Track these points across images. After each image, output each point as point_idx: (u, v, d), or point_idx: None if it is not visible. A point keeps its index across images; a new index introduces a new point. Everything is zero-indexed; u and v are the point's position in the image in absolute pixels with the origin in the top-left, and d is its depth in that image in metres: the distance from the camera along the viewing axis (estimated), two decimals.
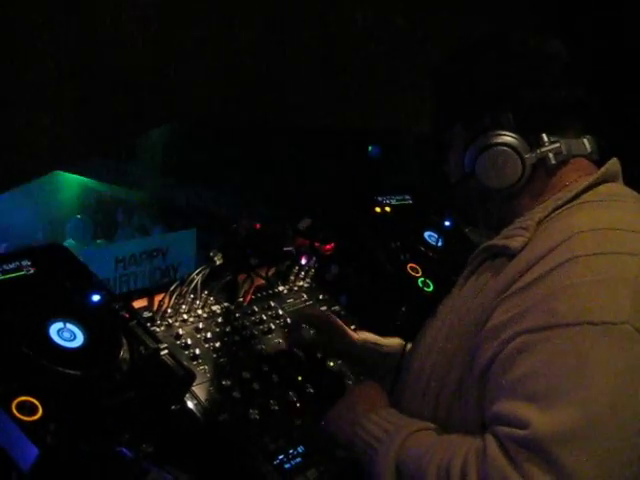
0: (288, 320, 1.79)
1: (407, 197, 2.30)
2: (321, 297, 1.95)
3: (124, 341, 1.31)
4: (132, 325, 1.38)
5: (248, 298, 1.80)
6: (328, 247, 2.00)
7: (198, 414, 1.44)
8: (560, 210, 1.10)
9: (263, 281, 1.89)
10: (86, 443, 1.13)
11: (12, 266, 1.32)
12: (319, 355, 1.68)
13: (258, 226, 1.88)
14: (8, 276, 1.30)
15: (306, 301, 1.92)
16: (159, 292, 1.67)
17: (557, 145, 1.13)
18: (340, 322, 1.66)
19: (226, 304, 1.75)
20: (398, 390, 1.29)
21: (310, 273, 1.99)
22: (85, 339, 1.26)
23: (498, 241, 1.14)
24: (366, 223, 2.08)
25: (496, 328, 1.02)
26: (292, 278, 1.95)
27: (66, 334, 1.24)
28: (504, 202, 1.19)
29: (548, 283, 0.99)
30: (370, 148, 2.37)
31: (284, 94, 1.95)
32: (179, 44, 1.64)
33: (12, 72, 1.43)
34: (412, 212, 2.24)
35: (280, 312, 1.81)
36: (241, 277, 1.81)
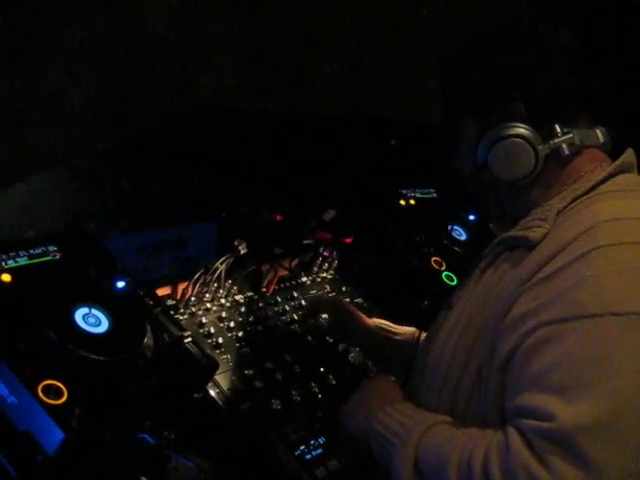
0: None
1: (432, 190, 2.28)
2: (344, 289, 1.94)
3: (148, 328, 1.31)
4: (156, 312, 1.38)
5: (271, 288, 1.79)
6: (348, 240, 2.00)
7: (220, 403, 1.44)
8: (579, 200, 1.09)
9: (286, 272, 1.88)
10: (109, 429, 1.14)
11: (38, 251, 1.33)
12: (330, 340, 1.66)
13: (279, 218, 1.88)
14: (35, 261, 1.30)
15: (329, 292, 1.91)
16: (183, 280, 1.67)
17: (570, 136, 1.11)
18: (354, 308, 1.65)
19: (249, 294, 1.75)
20: (413, 383, 1.27)
21: (333, 265, 1.98)
22: (110, 325, 1.26)
23: (517, 232, 1.12)
24: (390, 216, 2.07)
25: (518, 319, 1.01)
26: (315, 269, 1.95)
27: (91, 319, 1.24)
28: (517, 194, 1.17)
29: (571, 273, 0.97)
30: (392, 142, 2.35)
31: (305, 81, 1.94)
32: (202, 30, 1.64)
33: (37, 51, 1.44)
34: (436, 205, 2.22)
35: (303, 303, 1.81)
36: (264, 267, 1.81)
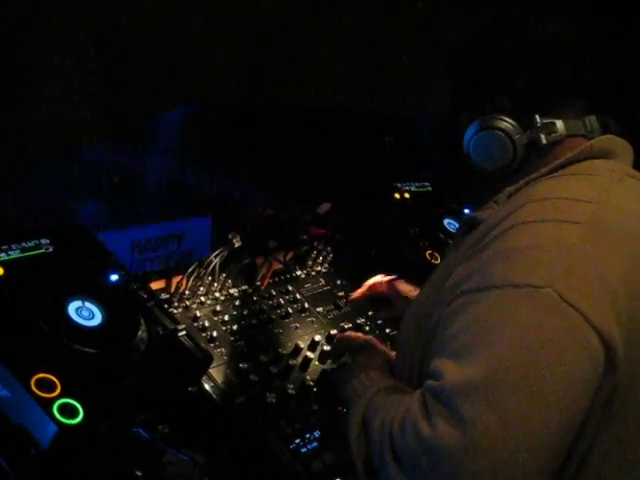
0: (306, 305, 1.77)
1: (426, 184, 2.28)
2: (339, 282, 1.94)
3: (142, 321, 1.30)
4: (150, 306, 1.37)
5: (266, 282, 1.79)
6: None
7: (215, 396, 1.43)
8: (531, 184, 1.12)
9: (281, 265, 1.88)
10: (103, 423, 1.13)
11: (31, 244, 1.32)
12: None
13: (269, 212, 1.87)
14: (27, 254, 1.29)
15: (324, 286, 1.91)
16: (177, 274, 1.67)
17: (549, 125, 1.13)
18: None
19: (244, 287, 1.74)
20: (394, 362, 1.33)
21: (328, 258, 1.97)
22: (103, 318, 1.25)
23: (471, 214, 1.18)
24: (385, 209, 2.07)
25: (447, 290, 1.06)
26: (310, 263, 1.94)
27: (85, 313, 1.24)
28: (501, 182, 1.18)
29: (492, 248, 1.02)
30: (387, 138, 2.35)
31: (304, 74, 1.93)
32: (197, 24, 1.62)
33: (36, 45, 1.42)
34: (431, 199, 2.22)
35: (297, 296, 1.80)
36: (259, 261, 1.80)
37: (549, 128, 1.13)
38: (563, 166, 1.11)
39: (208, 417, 1.43)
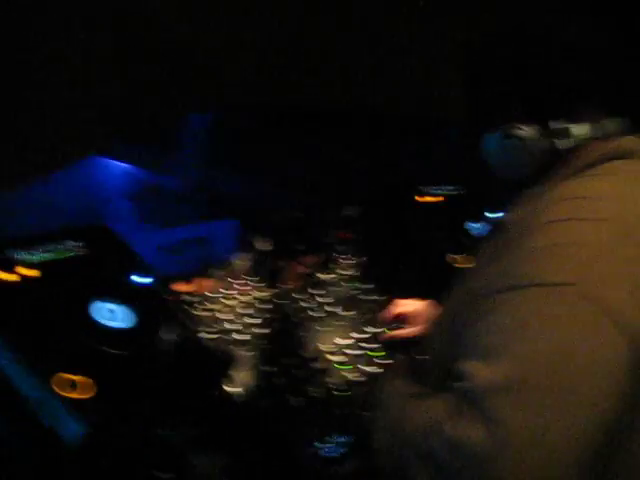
0: (331, 309, 1.77)
1: (450, 187, 2.27)
2: (364, 286, 1.93)
3: (167, 323, 1.31)
4: (175, 308, 1.38)
5: (291, 285, 1.78)
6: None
7: (239, 399, 1.43)
8: (553, 186, 1.10)
9: (307, 269, 1.88)
10: (126, 425, 1.14)
11: (59, 246, 1.33)
12: None
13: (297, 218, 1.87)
14: (55, 256, 1.31)
15: (350, 290, 1.90)
16: (202, 277, 1.67)
17: (566, 130, 1.12)
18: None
19: (269, 291, 1.74)
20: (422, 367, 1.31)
21: (354, 262, 1.97)
22: (129, 320, 1.26)
23: (498, 218, 1.16)
24: (410, 213, 2.06)
25: (474, 293, 1.05)
26: (334, 267, 1.94)
27: (110, 314, 1.25)
28: (521, 188, 1.16)
29: (518, 249, 1.01)
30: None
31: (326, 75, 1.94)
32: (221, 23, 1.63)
33: (53, 48, 1.44)
34: (454, 203, 2.20)
35: (321, 300, 1.80)
36: (285, 264, 1.80)
37: (566, 133, 1.13)
38: (584, 168, 1.10)
39: (232, 420, 1.43)
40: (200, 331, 1.34)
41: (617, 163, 1.10)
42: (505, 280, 0.98)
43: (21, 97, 1.49)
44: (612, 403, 0.89)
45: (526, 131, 1.13)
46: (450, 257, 1.91)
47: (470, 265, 1.24)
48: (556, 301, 0.91)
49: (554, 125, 1.13)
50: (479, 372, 0.92)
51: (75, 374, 1.10)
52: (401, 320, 1.69)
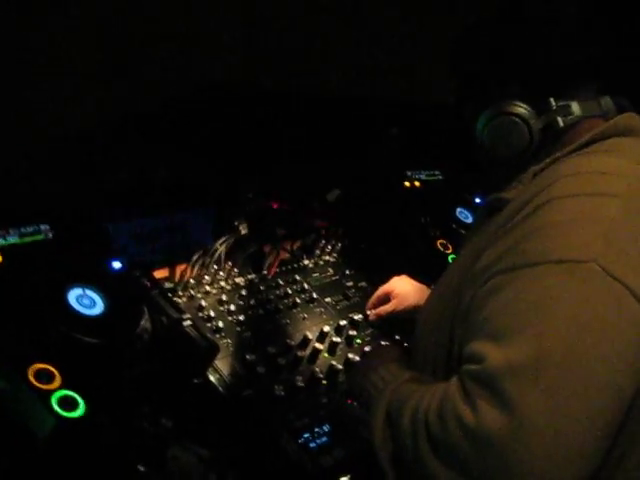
0: (314, 295, 1.72)
1: (437, 172, 2.22)
2: (347, 272, 1.88)
3: (145, 310, 1.25)
4: (154, 294, 1.32)
5: (273, 271, 1.73)
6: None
7: (221, 389, 1.38)
8: (557, 162, 1.07)
9: (288, 255, 1.83)
10: (105, 416, 1.08)
11: (30, 229, 1.26)
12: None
13: (275, 205, 1.81)
14: (26, 239, 1.24)
15: (332, 276, 1.85)
16: (181, 263, 1.61)
17: (565, 107, 1.09)
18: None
19: (250, 276, 1.69)
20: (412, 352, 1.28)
21: (337, 248, 1.92)
22: (105, 307, 1.20)
23: (494, 195, 1.13)
24: (395, 198, 2.01)
25: (478, 272, 1.02)
26: (318, 252, 1.89)
27: (86, 301, 1.18)
28: (520, 168, 1.13)
29: (524, 226, 0.97)
30: (393, 129, 2.29)
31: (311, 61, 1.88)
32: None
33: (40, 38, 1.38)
34: (443, 188, 2.16)
35: (305, 286, 1.75)
36: (266, 249, 1.75)
37: (565, 110, 1.09)
38: (588, 144, 1.07)
39: (214, 410, 1.38)
40: (181, 318, 1.28)
41: (618, 140, 1.08)
42: (514, 258, 0.94)
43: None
44: (632, 381, 0.86)
45: (525, 108, 1.10)
46: (440, 242, 1.87)
47: (464, 248, 1.21)
48: (575, 277, 0.87)
49: (555, 102, 1.09)
50: (492, 354, 0.88)
51: (45, 363, 1.04)
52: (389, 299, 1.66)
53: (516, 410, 0.83)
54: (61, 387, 1.03)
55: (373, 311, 1.68)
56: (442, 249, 1.90)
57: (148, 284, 1.33)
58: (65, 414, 1.00)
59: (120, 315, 1.21)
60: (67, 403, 1.01)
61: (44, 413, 0.98)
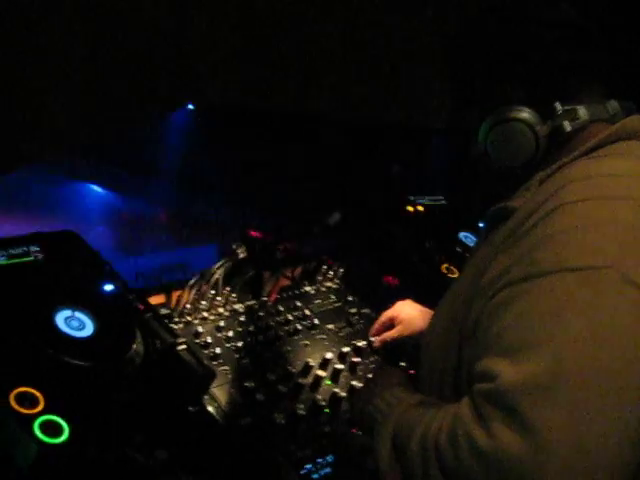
0: (315, 321, 1.66)
1: (440, 198, 2.19)
2: (350, 298, 1.83)
3: (138, 333, 1.19)
4: (147, 318, 1.27)
5: (273, 297, 1.68)
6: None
7: (218, 418, 1.31)
8: (564, 168, 1.03)
9: (289, 282, 1.78)
10: (92, 443, 1.02)
11: (19, 251, 1.22)
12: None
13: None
14: (14, 261, 1.19)
15: (334, 302, 1.79)
16: (177, 289, 1.56)
17: (571, 112, 1.05)
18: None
19: (249, 303, 1.63)
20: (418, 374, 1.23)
21: (338, 274, 1.87)
22: (95, 329, 1.15)
23: (499, 205, 1.08)
24: (398, 223, 1.97)
25: (486, 284, 0.97)
26: (319, 278, 1.83)
27: (74, 323, 1.13)
28: (526, 176, 1.08)
29: (534, 234, 0.92)
30: (395, 167, 2.28)
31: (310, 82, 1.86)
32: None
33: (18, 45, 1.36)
34: (446, 213, 2.12)
35: (307, 312, 1.69)
36: (265, 275, 1.70)
37: (572, 114, 1.05)
38: (596, 148, 1.02)
39: (211, 440, 1.31)
40: (176, 343, 1.23)
41: (627, 143, 1.04)
42: (525, 268, 0.89)
43: None
44: None
45: (530, 113, 1.06)
46: (445, 267, 1.82)
47: (468, 264, 1.16)
48: (591, 285, 0.82)
49: (561, 106, 1.05)
50: (505, 371, 0.82)
51: (28, 387, 0.98)
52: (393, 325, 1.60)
53: (534, 431, 0.76)
54: (45, 411, 0.96)
55: (377, 338, 1.62)
56: (447, 273, 1.84)
57: (141, 307, 1.27)
58: (48, 440, 0.93)
59: (110, 338, 1.15)
60: (50, 428, 0.95)
61: (26, 439, 0.92)
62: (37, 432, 0.93)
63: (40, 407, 0.97)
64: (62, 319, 1.12)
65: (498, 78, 1.09)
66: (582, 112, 1.06)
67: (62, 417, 0.97)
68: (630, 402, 0.77)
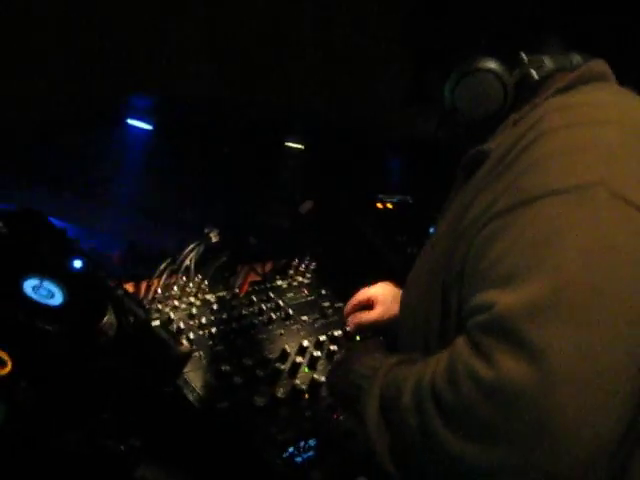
0: (290, 311, 1.61)
1: (407, 197, 2.18)
2: (323, 292, 1.79)
3: (110, 306, 1.13)
4: (119, 294, 1.20)
5: (244, 289, 1.62)
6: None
7: (194, 401, 1.24)
8: (538, 106, 1.01)
9: (261, 276, 1.73)
10: (70, 433, 0.95)
11: None
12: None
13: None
14: None
15: (308, 296, 1.75)
16: (146, 278, 1.50)
17: (537, 61, 1.06)
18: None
19: (221, 294, 1.57)
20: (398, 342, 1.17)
21: (310, 268, 1.83)
22: (64, 299, 1.07)
23: (473, 149, 1.05)
24: (369, 217, 1.95)
25: (470, 223, 0.94)
26: (291, 272, 1.79)
27: (43, 292, 1.06)
28: (496, 124, 1.07)
29: (517, 164, 0.90)
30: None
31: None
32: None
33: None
34: (414, 209, 2.12)
35: (281, 303, 1.64)
36: (238, 268, 1.65)
37: (537, 63, 1.05)
38: (567, 89, 1.02)
39: (187, 425, 1.23)
40: (150, 318, 1.16)
41: (596, 83, 1.03)
42: (511, 197, 0.86)
43: None
44: None
45: (495, 63, 1.05)
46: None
47: (444, 216, 1.13)
48: (581, 203, 0.80)
49: (524, 57, 1.05)
50: (504, 298, 0.78)
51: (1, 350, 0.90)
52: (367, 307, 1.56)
53: (539, 354, 0.72)
54: (13, 374, 0.89)
55: (352, 319, 1.56)
56: None
57: (112, 284, 1.21)
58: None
59: (81, 308, 1.08)
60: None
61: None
62: (5, 392, 0.86)
63: (8, 369, 0.89)
64: (30, 287, 1.05)
65: (461, 30, 1.09)
66: (547, 61, 1.06)
67: (31, 380, 0.90)
68: (633, 312, 0.75)
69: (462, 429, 0.77)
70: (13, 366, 0.90)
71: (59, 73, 1.53)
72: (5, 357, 0.90)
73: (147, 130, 2.26)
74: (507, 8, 1.06)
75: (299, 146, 2.12)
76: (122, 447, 1.11)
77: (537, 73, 1.05)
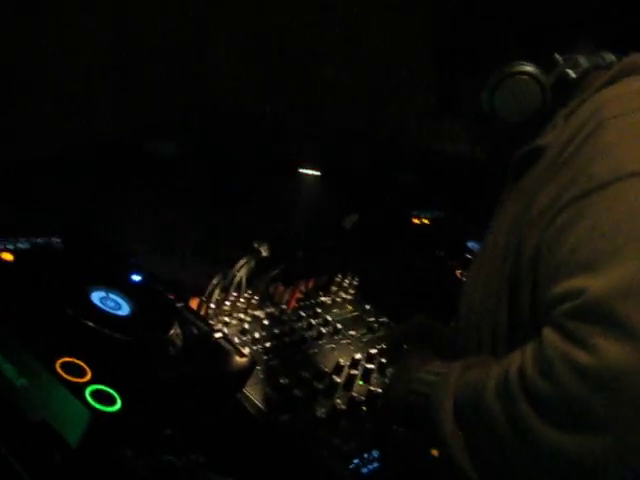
0: (338, 326, 1.60)
1: (441, 212, 2.19)
2: (367, 307, 1.77)
3: (174, 318, 1.12)
4: (180, 307, 1.20)
5: (292, 304, 1.62)
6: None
7: (256, 415, 1.22)
8: (587, 100, 1.02)
9: (304, 293, 1.72)
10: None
11: (42, 241, 1.15)
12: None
13: None
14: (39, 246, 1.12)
15: (352, 311, 1.74)
16: (195, 296, 1.49)
17: (572, 60, 1.06)
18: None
19: (269, 310, 1.57)
20: (454, 350, 1.14)
21: (353, 284, 1.82)
22: (132, 309, 1.07)
23: (527, 147, 1.05)
24: (406, 234, 1.95)
25: (538, 214, 0.93)
26: (334, 289, 1.78)
27: (110, 303, 1.06)
28: (538, 125, 1.07)
29: (582, 153, 0.91)
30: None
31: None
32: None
33: None
34: (451, 224, 2.12)
35: (329, 319, 1.63)
36: (281, 287, 1.64)
37: (572, 62, 1.06)
38: (612, 82, 1.02)
39: (250, 439, 1.21)
40: (212, 330, 1.16)
41: (637, 76, 1.03)
42: (582, 185, 0.86)
43: None
44: None
45: (532, 66, 1.06)
46: (459, 272, 1.79)
47: (501, 213, 1.12)
48: None
49: (559, 57, 1.06)
50: (592, 282, 0.77)
51: (73, 357, 0.90)
52: None
53: (637, 334, 0.71)
54: (93, 381, 0.88)
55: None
56: (462, 277, 1.81)
57: (173, 297, 1.21)
58: (101, 408, 0.85)
59: (148, 319, 1.08)
60: (102, 398, 0.86)
61: (77, 406, 0.83)
62: (89, 400, 0.85)
63: (88, 377, 0.88)
64: (97, 298, 1.05)
65: (494, 37, 1.09)
66: (582, 60, 1.06)
67: (112, 387, 0.89)
68: None
69: (560, 420, 0.75)
70: (92, 374, 0.89)
71: None
72: (83, 365, 0.90)
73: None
74: (539, 11, 1.07)
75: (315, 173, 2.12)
76: (185, 462, 1.09)
77: (574, 72, 1.06)
